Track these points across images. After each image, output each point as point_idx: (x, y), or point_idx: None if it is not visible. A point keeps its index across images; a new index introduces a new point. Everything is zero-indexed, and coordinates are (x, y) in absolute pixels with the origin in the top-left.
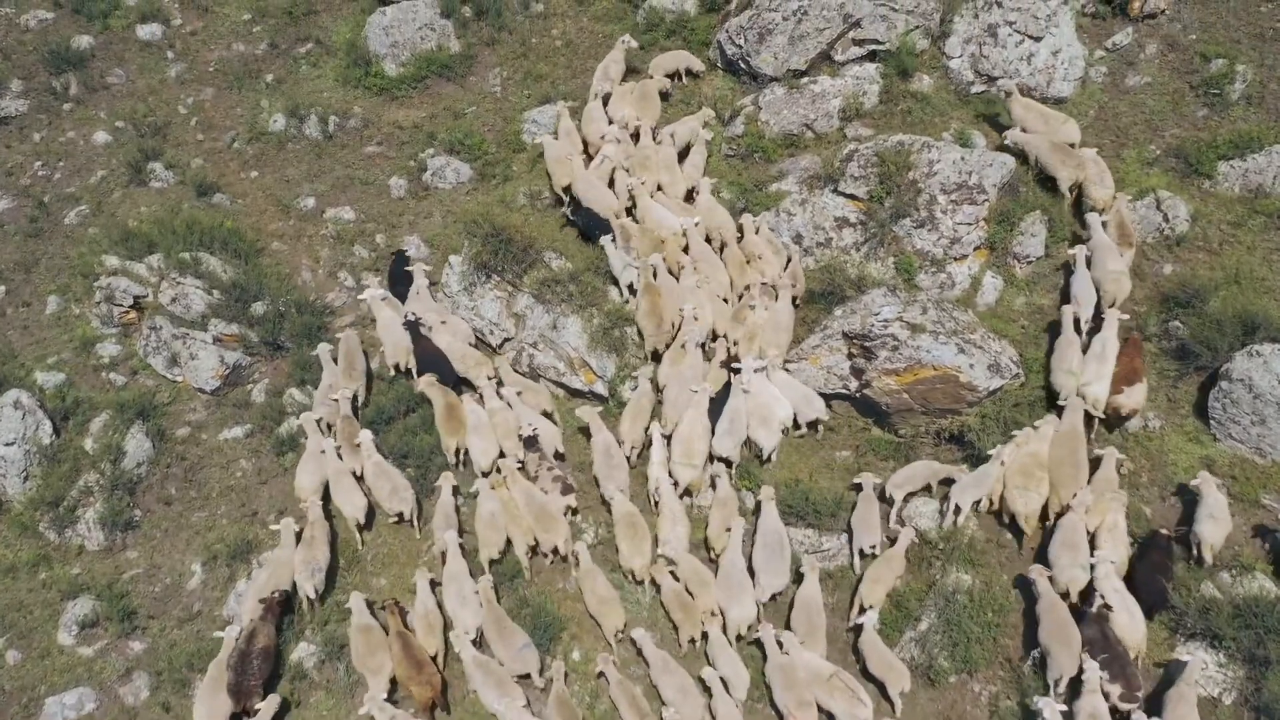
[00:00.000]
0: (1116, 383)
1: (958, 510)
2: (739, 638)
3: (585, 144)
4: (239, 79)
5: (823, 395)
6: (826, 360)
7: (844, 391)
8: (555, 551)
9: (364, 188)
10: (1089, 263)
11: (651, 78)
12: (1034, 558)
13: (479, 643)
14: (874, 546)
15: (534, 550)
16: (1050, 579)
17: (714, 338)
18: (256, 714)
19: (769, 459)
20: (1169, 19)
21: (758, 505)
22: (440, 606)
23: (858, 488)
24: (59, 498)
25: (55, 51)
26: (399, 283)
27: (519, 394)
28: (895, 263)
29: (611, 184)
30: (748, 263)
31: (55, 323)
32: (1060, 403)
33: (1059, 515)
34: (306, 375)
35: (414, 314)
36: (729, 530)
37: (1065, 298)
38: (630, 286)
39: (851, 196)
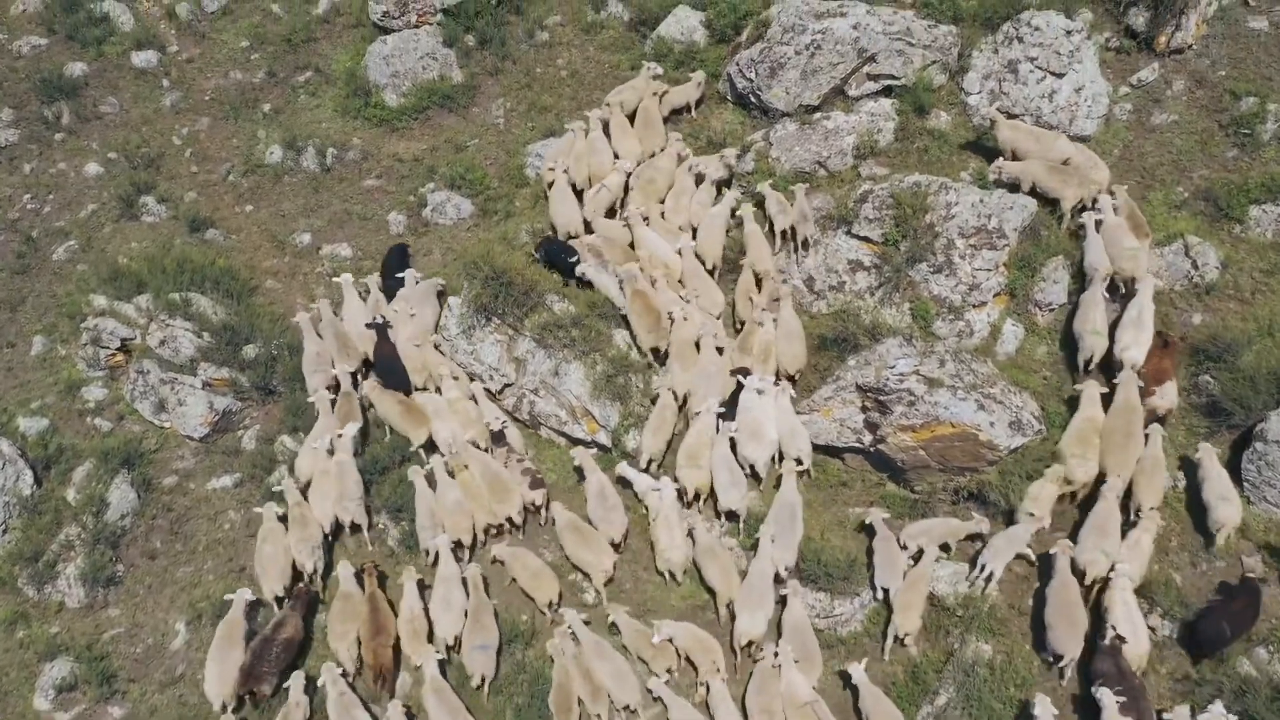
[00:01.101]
0: (1146, 384)
1: (990, 576)
2: (746, 646)
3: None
4: (235, 108)
5: (835, 448)
6: (839, 413)
7: (857, 446)
8: (510, 522)
9: (362, 223)
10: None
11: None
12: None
13: (455, 648)
14: (894, 589)
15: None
16: (1072, 559)
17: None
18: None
19: (761, 480)
20: (1197, 54)
21: (778, 479)
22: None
23: (870, 529)
24: (38, 552)
25: (47, 80)
26: (392, 276)
27: (473, 397)
28: (911, 309)
29: (611, 215)
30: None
31: (40, 364)
32: (1084, 364)
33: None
34: (299, 421)
35: (382, 317)
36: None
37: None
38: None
39: (866, 239)
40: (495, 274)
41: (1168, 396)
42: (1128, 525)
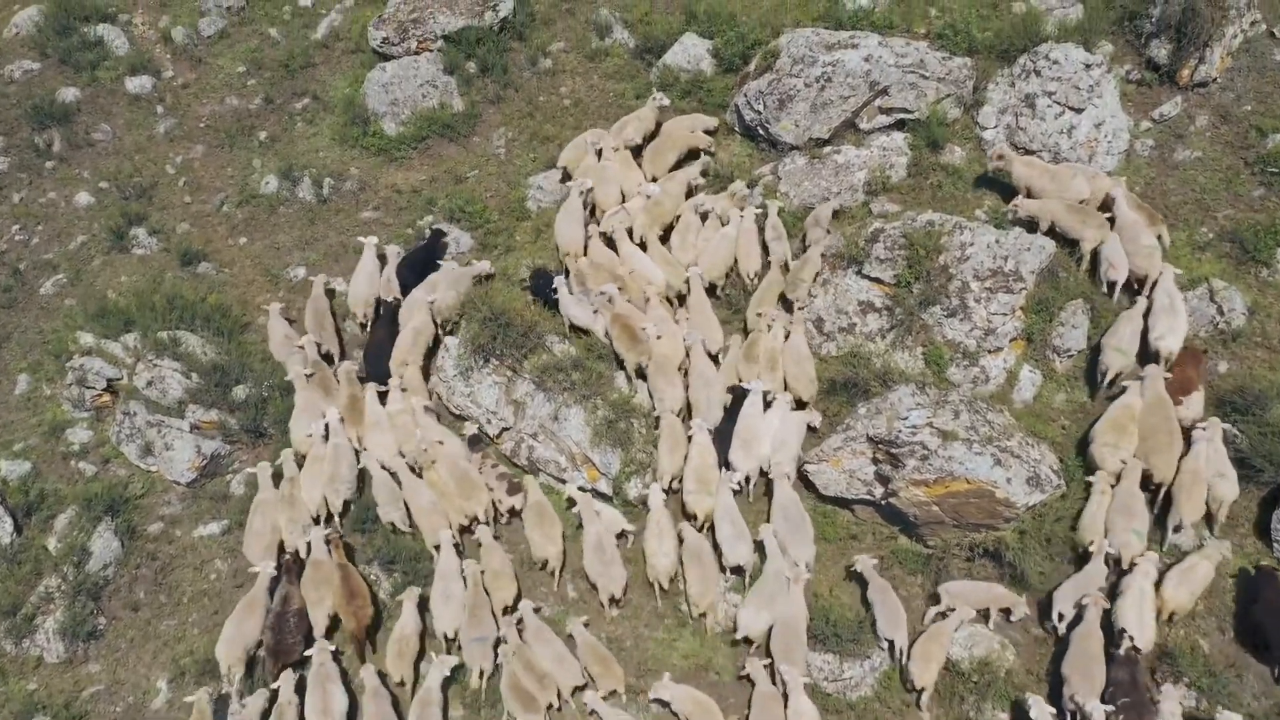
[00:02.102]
0: (1172, 393)
1: (1061, 617)
2: (749, 641)
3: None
4: (231, 136)
5: (845, 500)
6: (849, 463)
7: (868, 498)
8: (475, 521)
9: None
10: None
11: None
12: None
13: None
14: (900, 642)
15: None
16: (1104, 600)
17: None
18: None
19: (748, 488)
20: (1221, 88)
21: (769, 483)
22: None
23: (861, 579)
24: (17, 605)
25: (39, 106)
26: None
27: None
28: (924, 353)
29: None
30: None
31: (24, 404)
32: (1101, 379)
33: (1156, 488)
34: None
35: (396, 298)
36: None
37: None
38: (607, 331)
39: (877, 280)
40: (494, 314)
41: (1194, 407)
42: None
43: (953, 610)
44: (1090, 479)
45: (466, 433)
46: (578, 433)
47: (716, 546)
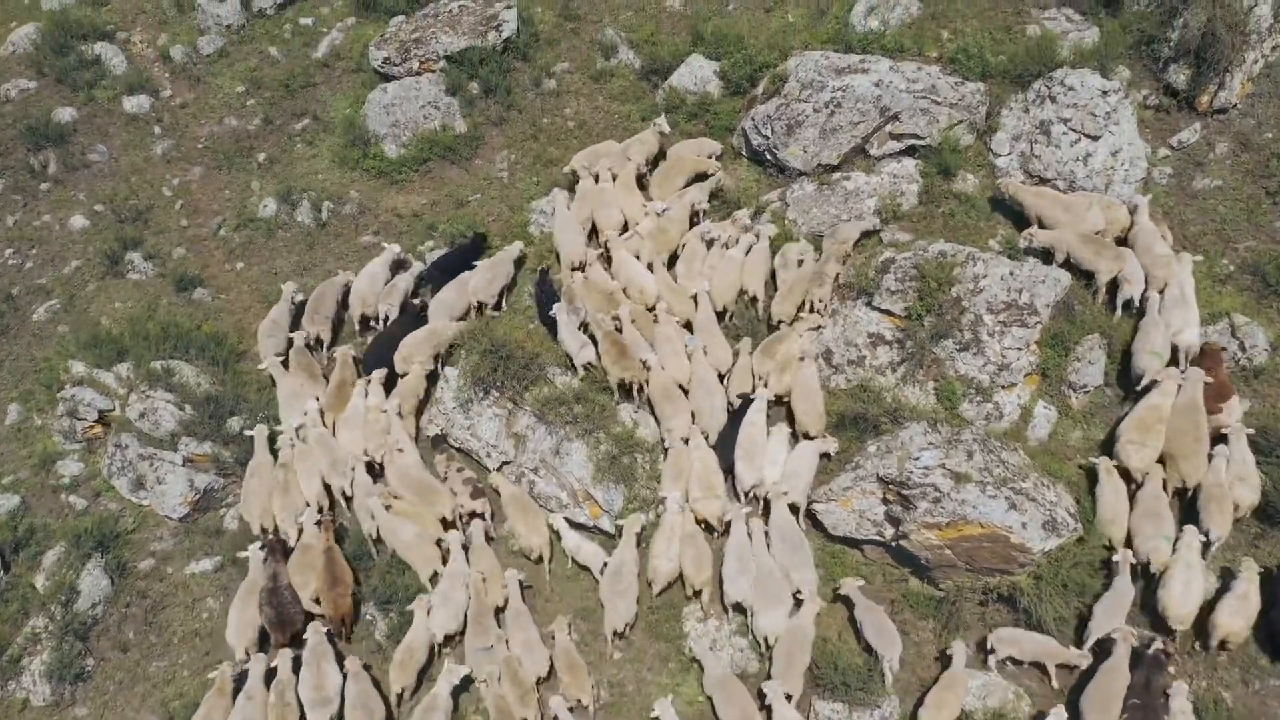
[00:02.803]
0: (1210, 400)
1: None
2: (767, 645)
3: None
4: (229, 157)
5: (855, 540)
6: (858, 503)
7: (878, 539)
8: (444, 523)
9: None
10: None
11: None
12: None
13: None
14: (895, 658)
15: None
16: (1134, 636)
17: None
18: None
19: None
20: (1241, 114)
21: (765, 504)
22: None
23: (848, 601)
24: (3, 645)
25: (34, 127)
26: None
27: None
28: (936, 388)
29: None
30: None
31: (14, 435)
32: (1137, 383)
33: (1180, 491)
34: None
35: (421, 301)
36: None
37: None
38: (586, 366)
39: (887, 312)
40: (494, 346)
41: (1234, 412)
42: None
43: (1007, 660)
44: (1094, 461)
45: (431, 432)
46: (579, 468)
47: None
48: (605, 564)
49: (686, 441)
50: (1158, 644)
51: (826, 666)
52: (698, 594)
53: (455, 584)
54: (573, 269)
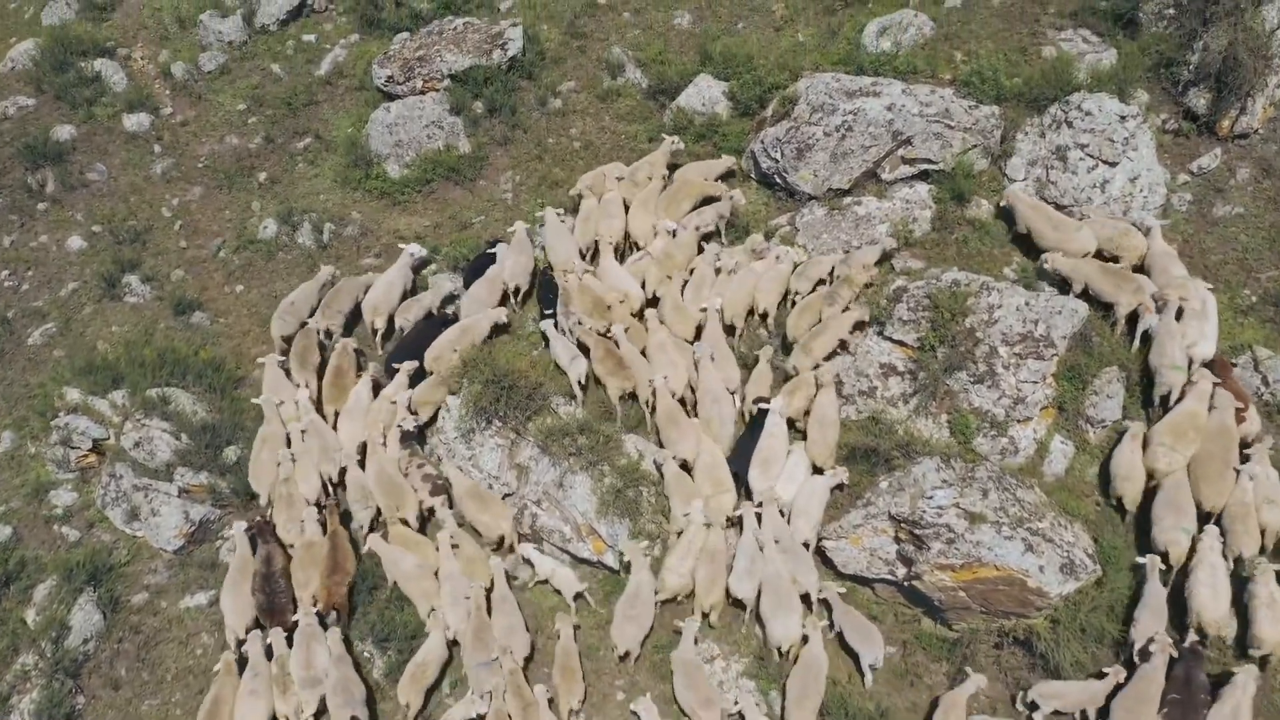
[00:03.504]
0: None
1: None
2: (781, 654)
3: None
4: (230, 177)
5: (865, 579)
6: (870, 541)
7: (890, 578)
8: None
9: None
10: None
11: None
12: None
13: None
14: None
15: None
16: (1172, 646)
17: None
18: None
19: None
20: (1263, 140)
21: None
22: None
23: (826, 605)
24: None
25: (32, 145)
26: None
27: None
28: (949, 421)
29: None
30: None
31: (8, 463)
32: (1160, 402)
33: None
34: None
35: (455, 314)
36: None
37: None
38: (579, 381)
39: (900, 342)
40: (497, 375)
41: (1255, 422)
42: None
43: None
44: (1126, 424)
45: (405, 426)
46: (583, 502)
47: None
48: (578, 592)
49: (686, 467)
50: (1192, 636)
51: (836, 711)
52: (705, 616)
53: (457, 584)
54: (516, 295)
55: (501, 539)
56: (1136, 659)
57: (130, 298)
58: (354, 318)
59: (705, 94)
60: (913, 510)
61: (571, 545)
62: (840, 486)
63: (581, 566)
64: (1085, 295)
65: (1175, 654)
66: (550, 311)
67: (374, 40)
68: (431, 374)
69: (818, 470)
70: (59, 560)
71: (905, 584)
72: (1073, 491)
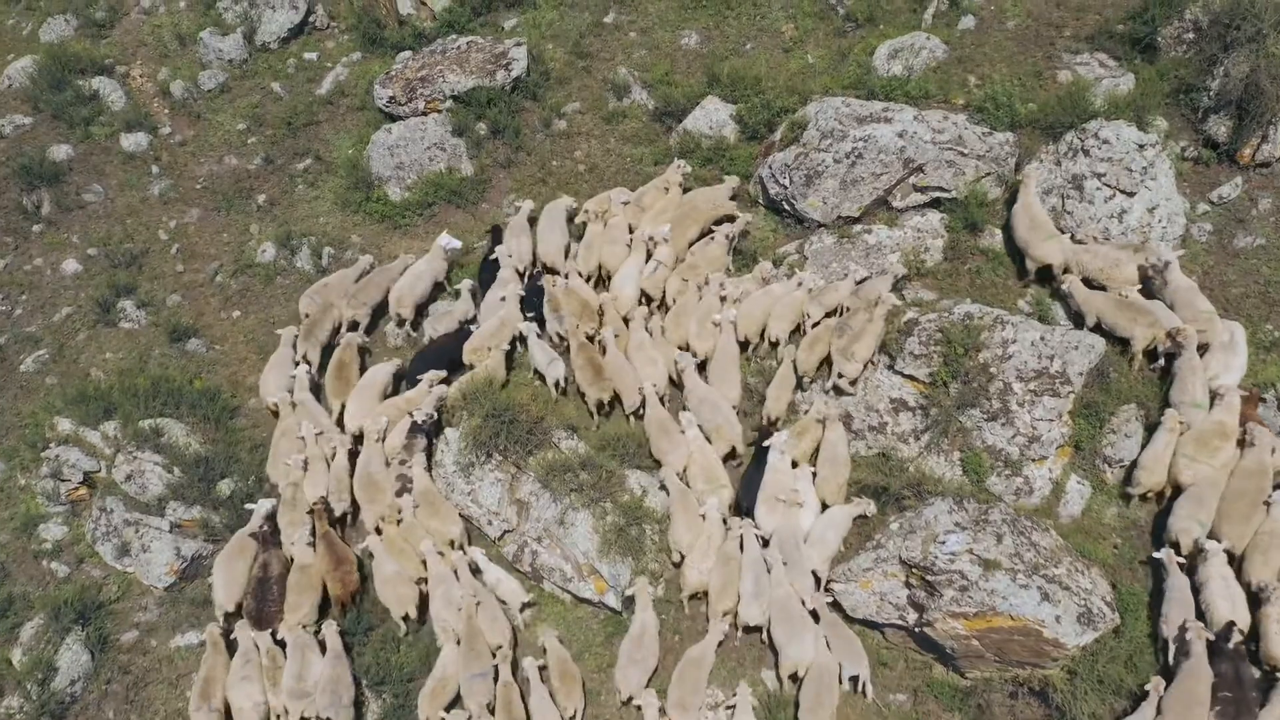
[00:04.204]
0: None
1: (1167, 646)
2: (792, 678)
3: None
4: (228, 199)
5: (875, 624)
6: (880, 586)
7: (900, 624)
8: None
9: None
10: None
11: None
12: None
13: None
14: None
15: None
16: (1206, 630)
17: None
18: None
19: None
20: None
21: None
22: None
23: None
24: None
25: (28, 166)
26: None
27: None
28: (962, 460)
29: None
30: None
31: None
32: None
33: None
34: None
35: (476, 324)
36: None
37: None
38: (557, 383)
39: (911, 377)
40: (497, 409)
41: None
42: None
43: None
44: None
45: (419, 418)
46: (585, 540)
47: None
48: (525, 602)
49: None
50: (1237, 636)
51: None
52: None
53: (449, 585)
54: (548, 270)
55: (451, 543)
56: (1170, 660)
57: (125, 323)
58: (381, 310)
59: (713, 117)
60: (924, 555)
61: (572, 585)
62: (863, 516)
63: (582, 606)
64: (1099, 330)
65: (1210, 638)
66: (531, 315)
67: (376, 59)
68: (472, 367)
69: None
70: (47, 598)
71: (916, 630)
72: (1090, 534)
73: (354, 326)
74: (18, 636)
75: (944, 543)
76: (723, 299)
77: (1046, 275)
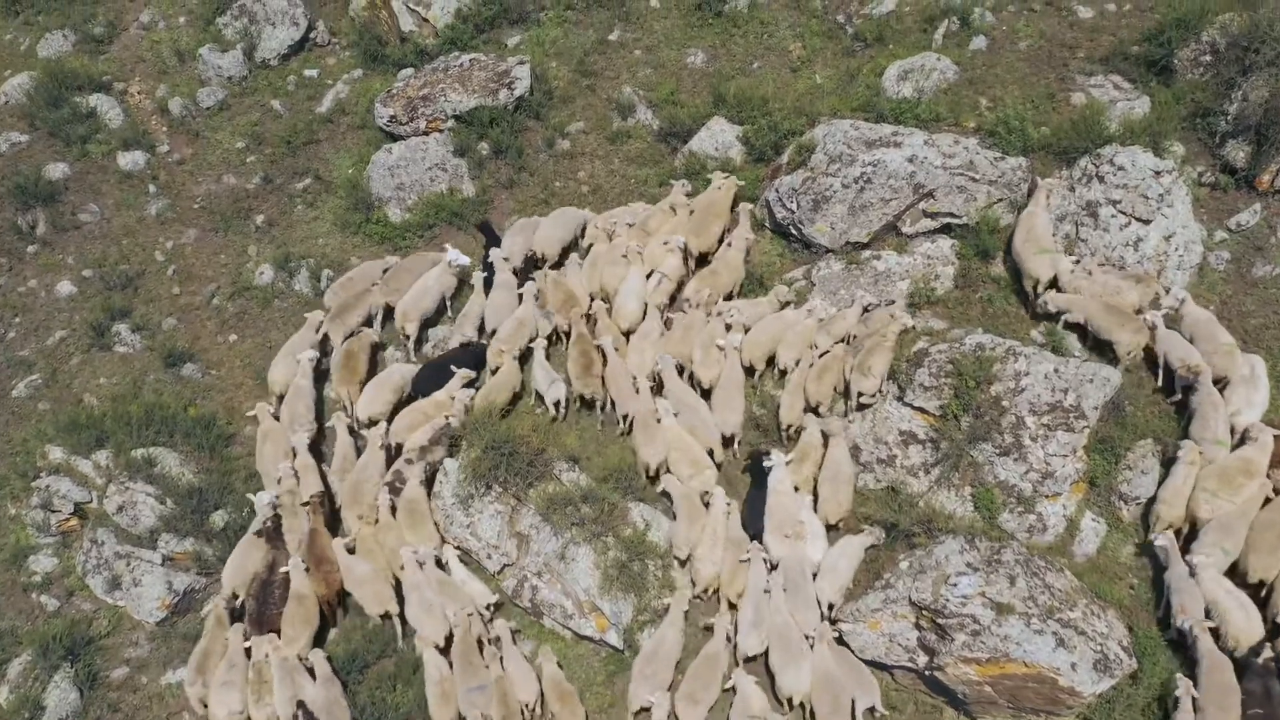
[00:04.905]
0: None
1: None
2: (789, 705)
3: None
4: (226, 219)
5: (883, 666)
6: (889, 627)
7: (910, 666)
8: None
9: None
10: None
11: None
12: None
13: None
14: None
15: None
16: (1213, 633)
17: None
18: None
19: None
20: None
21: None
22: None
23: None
24: None
25: (23, 185)
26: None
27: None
28: (973, 495)
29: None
30: None
31: None
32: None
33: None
34: None
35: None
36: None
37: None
38: (556, 404)
39: (920, 409)
40: (497, 441)
41: None
42: None
43: None
44: (1180, 443)
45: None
46: (585, 577)
47: None
48: (490, 603)
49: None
50: (1267, 652)
51: None
52: (733, 607)
53: (421, 591)
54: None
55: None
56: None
57: (120, 347)
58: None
59: (719, 138)
60: (935, 597)
61: (573, 622)
62: (874, 545)
63: (583, 644)
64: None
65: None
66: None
67: (378, 76)
68: (495, 371)
69: (831, 528)
70: (36, 634)
71: (926, 673)
72: (1105, 573)
73: (369, 323)
74: (5, 674)
75: (955, 585)
76: (728, 326)
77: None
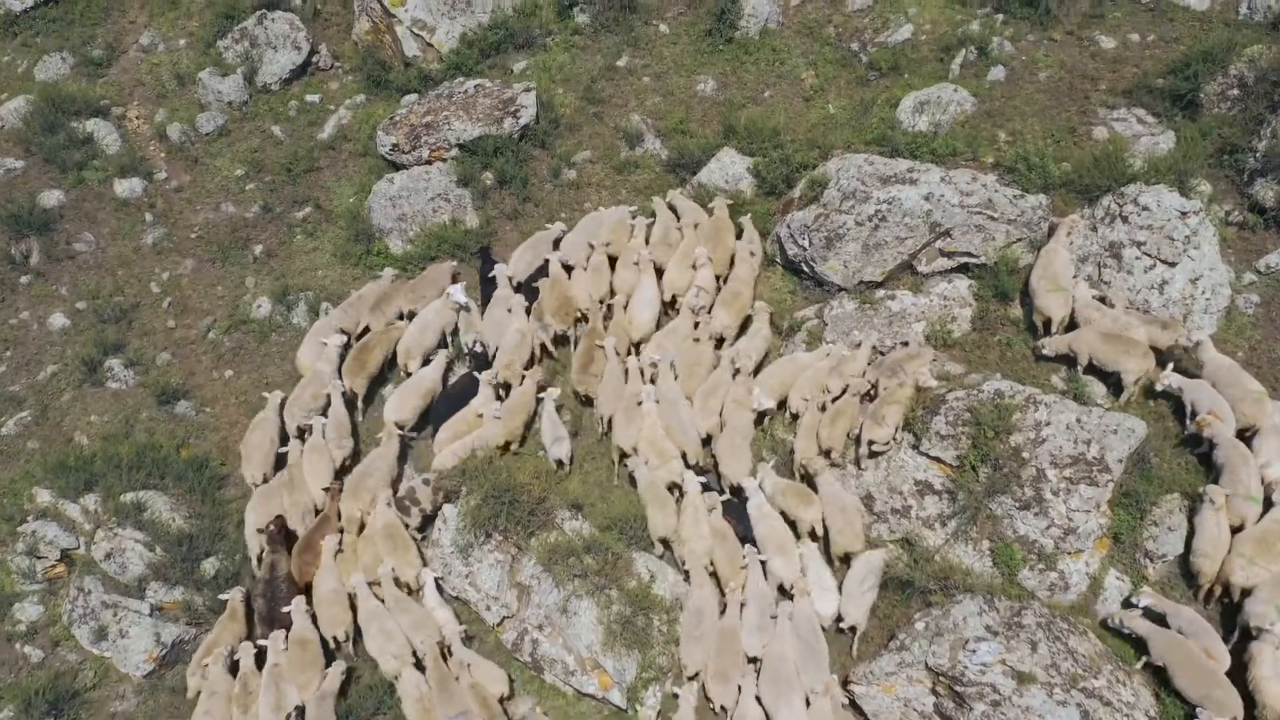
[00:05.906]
0: None
1: None
2: None
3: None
4: (224, 250)
5: None
6: (904, 691)
7: None
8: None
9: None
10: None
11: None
12: None
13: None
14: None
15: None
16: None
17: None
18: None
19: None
20: None
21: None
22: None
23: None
24: None
25: (17, 214)
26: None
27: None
28: (991, 551)
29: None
30: None
31: None
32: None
33: None
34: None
35: (482, 345)
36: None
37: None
38: (559, 462)
39: (937, 459)
40: (497, 490)
41: None
42: None
43: None
44: (1204, 490)
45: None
46: (588, 632)
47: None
48: (460, 632)
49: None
50: None
51: None
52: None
53: (381, 619)
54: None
55: (407, 586)
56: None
57: (112, 383)
58: None
59: (729, 170)
60: (953, 663)
61: (575, 679)
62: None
63: (585, 701)
64: (1091, 370)
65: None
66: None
67: (380, 102)
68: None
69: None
70: (19, 688)
71: None
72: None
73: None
74: None
75: (974, 651)
76: (736, 371)
77: None
